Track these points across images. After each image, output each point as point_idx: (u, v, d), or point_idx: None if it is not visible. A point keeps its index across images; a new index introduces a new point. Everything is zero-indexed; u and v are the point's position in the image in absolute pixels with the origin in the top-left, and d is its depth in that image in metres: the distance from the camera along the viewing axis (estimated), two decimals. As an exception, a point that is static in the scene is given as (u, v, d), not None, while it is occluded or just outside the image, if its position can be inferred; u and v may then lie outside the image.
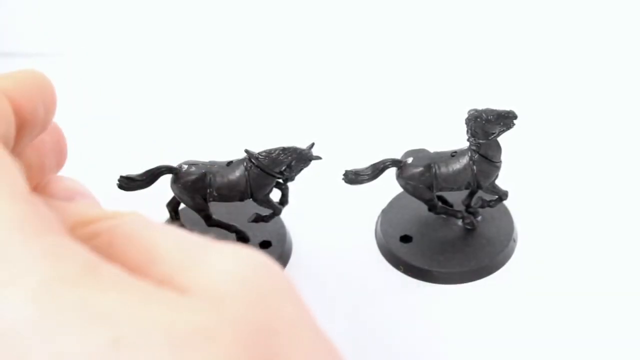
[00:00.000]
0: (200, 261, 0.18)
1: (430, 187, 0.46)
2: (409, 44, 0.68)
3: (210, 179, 0.44)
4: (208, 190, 0.44)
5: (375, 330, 0.44)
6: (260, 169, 0.44)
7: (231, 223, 0.47)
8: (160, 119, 0.60)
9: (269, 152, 0.44)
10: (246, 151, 0.45)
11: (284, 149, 0.44)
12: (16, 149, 0.23)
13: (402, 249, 0.48)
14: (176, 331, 0.16)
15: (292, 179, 0.45)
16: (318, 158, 0.45)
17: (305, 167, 0.45)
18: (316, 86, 0.64)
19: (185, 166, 0.44)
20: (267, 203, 0.46)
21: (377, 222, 0.51)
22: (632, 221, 0.50)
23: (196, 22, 0.71)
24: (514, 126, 0.44)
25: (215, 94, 0.63)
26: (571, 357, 0.41)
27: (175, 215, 0.47)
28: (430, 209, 0.49)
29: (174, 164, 0.45)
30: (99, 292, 0.16)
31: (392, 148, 0.49)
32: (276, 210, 0.46)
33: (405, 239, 0.48)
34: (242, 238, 0.48)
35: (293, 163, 0.44)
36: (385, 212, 0.51)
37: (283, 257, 0.48)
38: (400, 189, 0.48)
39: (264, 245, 0.48)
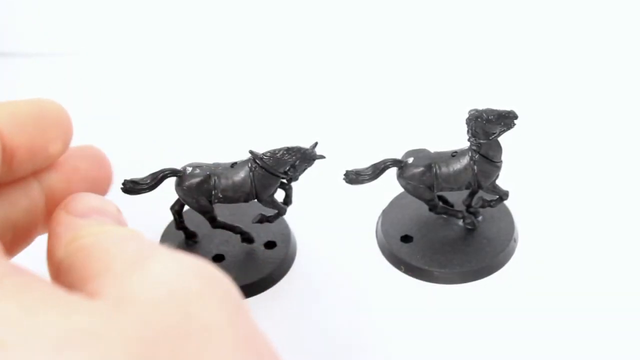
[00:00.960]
0: (137, 271, 0.20)
1: (430, 187, 0.46)
2: (409, 45, 0.68)
3: (214, 181, 0.44)
4: (213, 192, 0.44)
5: (375, 330, 0.44)
6: (265, 170, 0.44)
7: (235, 224, 0.47)
8: (162, 120, 0.60)
9: (273, 153, 0.44)
10: (250, 152, 0.45)
11: (288, 149, 0.44)
12: (9, 177, 0.24)
13: (403, 249, 0.48)
14: (61, 332, 0.17)
15: (296, 179, 0.45)
16: (322, 157, 0.45)
17: (309, 166, 0.45)
18: (316, 87, 0.64)
19: (190, 168, 0.44)
20: (272, 203, 0.46)
21: (377, 222, 0.51)
22: (633, 221, 0.50)
23: (198, 22, 0.71)
24: (515, 126, 0.44)
25: (217, 96, 0.63)
26: (571, 357, 0.41)
27: (179, 218, 0.47)
28: (430, 209, 0.49)
29: (177, 167, 0.44)
30: None
31: (393, 148, 0.49)
32: (281, 210, 0.46)
33: (406, 239, 0.49)
34: (247, 239, 0.48)
35: (297, 163, 0.44)
36: (385, 212, 0.51)
37: (288, 257, 0.48)
38: (400, 189, 0.48)
39: (269, 245, 0.48)
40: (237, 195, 0.45)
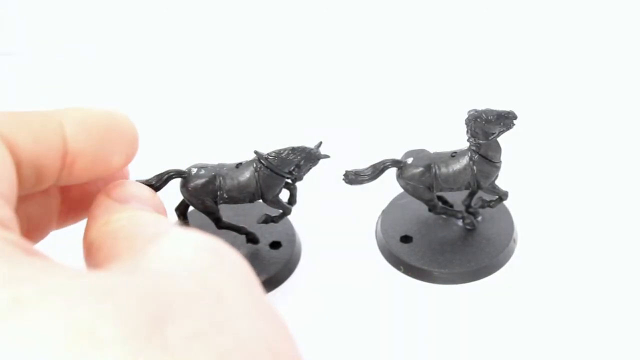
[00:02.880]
0: (153, 245, 0.20)
1: (430, 188, 0.46)
2: (409, 45, 0.68)
3: (220, 182, 0.44)
4: (218, 193, 0.44)
5: (375, 330, 0.44)
6: (270, 170, 0.44)
7: (240, 225, 0.47)
8: (166, 122, 0.60)
9: (278, 153, 0.44)
10: (255, 152, 0.44)
11: (293, 149, 0.44)
12: (69, 181, 0.25)
13: (402, 249, 0.48)
14: (76, 289, 0.17)
15: (300, 178, 0.45)
16: (326, 157, 0.45)
17: (313, 166, 0.45)
18: (317, 87, 0.64)
19: (195, 169, 0.44)
20: (277, 204, 0.46)
21: (377, 223, 0.51)
22: (632, 221, 0.50)
23: (201, 24, 0.71)
24: (514, 126, 0.44)
25: (220, 97, 0.63)
26: (571, 357, 0.41)
27: (183, 219, 0.46)
28: (430, 209, 0.49)
29: (182, 167, 0.44)
30: (9, 265, 0.18)
31: (393, 148, 0.49)
32: (286, 210, 0.46)
33: (406, 239, 0.49)
34: (252, 240, 0.48)
35: (302, 162, 0.44)
36: (385, 213, 0.51)
37: (294, 257, 0.48)
38: (400, 189, 0.48)
39: (275, 245, 0.48)
40: (243, 195, 0.45)
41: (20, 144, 0.22)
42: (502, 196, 0.47)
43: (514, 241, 0.48)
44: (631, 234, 0.49)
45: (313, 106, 0.62)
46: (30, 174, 0.23)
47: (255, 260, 0.47)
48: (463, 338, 0.43)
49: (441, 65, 0.66)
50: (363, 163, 0.47)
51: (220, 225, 0.46)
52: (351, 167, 0.46)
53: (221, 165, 0.45)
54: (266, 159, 0.44)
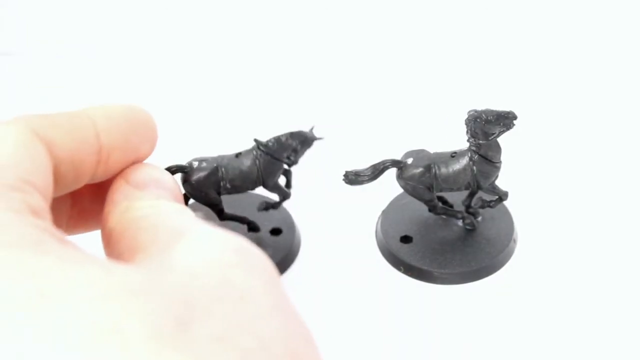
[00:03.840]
0: (180, 242, 0.21)
1: (430, 188, 0.46)
2: (409, 45, 0.68)
3: (222, 172, 0.45)
4: (221, 184, 0.45)
5: (375, 330, 0.44)
6: (270, 156, 0.45)
7: (242, 216, 0.48)
8: (165, 121, 0.60)
9: (277, 139, 0.45)
10: (255, 140, 0.45)
11: (291, 134, 0.45)
12: (104, 176, 0.25)
13: (403, 250, 0.48)
14: (101, 286, 0.17)
15: (296, 162, 0.46)
16: (320, 139, 0.46)
17: (308, 149, 0.46)
18: (317, 87, 0.64)
19: (196, 162, 0.45)
20: (278, 189, 0.47)
21: (377, 223, 0.51)
22: (632, 221, 0.50)
23: (200, 23, 0.71)
24: (514, 127, 0.44)
25: (219, 97, 0.63)
26: (571, 357, 0.41)
27: None
28: (430, 210, 0.49)
29: (180, 162, 0.45)
30: (37, 255, 0.18)
31: (392, 148, 0.49)
32: (286, 195, 0.47)
33: (406, 239, 0.49)
34: (253, 228, 0.48)
35: (299, 147, 0.45)
36: (385, 213, 0.51)
37: (295, 244, 0.49)
38: (400, 190, 0.48)
39: (275, 232, 0.49)
40: (246, 184, 0.45)
41: (58, 142, 0.23)
42: (502, 196, 0.47)
43: (514, 241, 0.48)
44: (631, 234, 0.49)
45: (313, 106, 0.62)
46: (69, 171, 0.23)
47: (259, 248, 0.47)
48: (463, 338, 0.43)
49: (441, 65, 0.66)
50: (363, 163, 0.47)
51: (222, 217, 0.47)
52: (351, 167, 0.46)
53: (221, 157, 0.45)
54: (266, 145, 0.45)
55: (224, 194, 0.45)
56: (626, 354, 0.41)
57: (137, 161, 0.26)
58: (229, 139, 0.53)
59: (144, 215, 0.23)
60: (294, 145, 0.45)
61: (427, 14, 0.70)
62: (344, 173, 0.46)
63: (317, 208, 0.52)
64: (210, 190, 0.45)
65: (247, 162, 0.45)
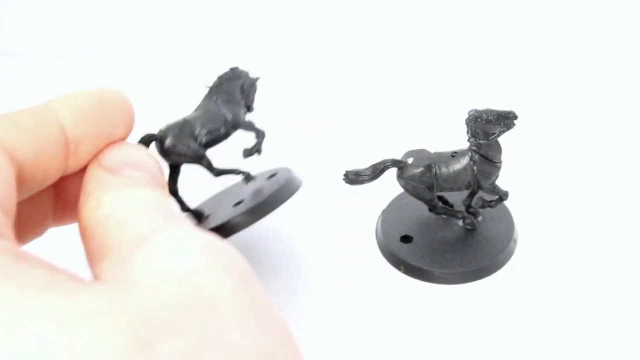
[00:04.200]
0: (143, 248, 0.20)
1: (430, 188, 0.47)
2: (409, 46, 0.68)
3: (197, 130, 0.45)
4: (196, 137, 0.45)
5: (375, 330, 0.44)
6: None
7: (231, 169, 0.48)
8: (165, 120, 0.60)
9: (220, 77, 0.47)
10: (206, 86, 0.47)
11: (230, 69, 0.47)
12: (79, 165, 0.24)
13: (403, 249, 0.48)
14: (62, 313, 0.17)
15: (252, 107, 0.48)
16: (257, 78, 0.47)
17: (255, 89, 0.48)
18: (317, 87, 0.64)
19: (163, 128, 0.45)
20: (251, 127, 0.48)
21: (377, 222, 0.51)
22: (632, 221, 0.50)
23: (199, 23, 0.71)
24: (514, 126, 0.44)
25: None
26: (571, 357, 0.41)
27: (180, 199, 0.47)
28: (430, 209, 0.49)
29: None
30: None
31: (393, 148, 0.49)
32: (258, 132, 0.48)
33: (406, 239, 0.49)
34: (248, 177, 0.49)
35: (245, 86, 0.47)
36: (385, 212, 0.51)
37: (293, 181, 0.47)
38: (400, 189, 0.48)
39: (272, 176, 0.49)
40: (216, 136, 0.46)
41: (19, 146, 0.22)
42: (502, 196, 0.47)
43: (514, 241, 0.48)
44: (631, 233, 0.49)
45: (313, 106, 0.62)
46: (34, 172, 0.22)
47: (257, 195, 0.47)
48: (463, 338, 0.43)
49: (441, 65, 0.66)
50: (363, 163, 0.47)
51: (215, 172, 0.47)
52: (351, 167, 0.46)
53: (194, 117, 0.46)
54: (217, 87, 0.47)
55: (203, 145, 0.46)
56: (626, 354, 0.41)
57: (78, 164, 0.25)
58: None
59: (111, 212, 0.22)
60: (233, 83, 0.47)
61: (427, 14, 0.70)
62: (344, 173, 0.46)
63: (317, 208, 0.52)
64: (190, 142, 0.45)
65: (213, 109, 0.46)
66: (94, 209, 0.23)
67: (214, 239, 0.21)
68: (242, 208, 0.44)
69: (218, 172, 0.47)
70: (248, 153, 0.48)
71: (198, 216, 0.48)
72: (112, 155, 0.25)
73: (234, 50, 0.68)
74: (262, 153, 0.48)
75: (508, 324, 0.43)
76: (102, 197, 0.23)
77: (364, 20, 0.70)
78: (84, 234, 0.23)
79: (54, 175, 0.24)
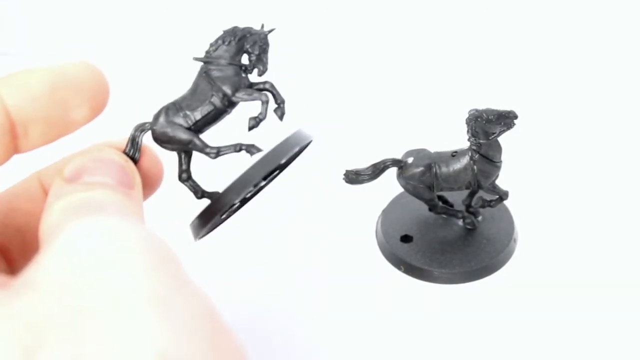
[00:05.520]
0: (48, 246, 0.19)
1: (430, 187, 0.47)
2: (409, 45, 0.68)
3: (185, 114, 0.39)
4: (187, 121, 0.39)
5: (375, 329, 0.44)
6: (217, 67, 0.40)
7: (231, 144, 0.41)
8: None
9: (212, 44, 0.40)
10: (195, 59, 0.40)
11: (223, 32, 0.40)
12: (28, 148, 0.23)
13: (403, 249, 0.48)
14: None
15: (263, 67, 0.41)
16: (271, 30, 0.40)
17: (264, 45, 0.40)
18: (317, 86, 0.64)
19: (155, 114, 0.39)
20: (251, 96, 0.41)
21: (377, 222, 0.51)
22: (632, 220, 0.50)
23: (199, 23, 0.71)
24: (515, 126, 0.44)
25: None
26: (571, 357, 0.41)
27: (195, 185, 0.41)
28: (430, 209, 0.49)
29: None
30: None
31: (393, 148, 0.49)
32: (263, 98, 0.41)
33: (406, 238, 0.49)
34: (250, 150, 0.41)
35: (247, 46, 0.40)
36: (385, 212, 0.51)
37: (302, 132, 0.42)
38: (400, 189, 0.48)
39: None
40: (209, 115, 0.40)
41: None
42: (502, 196, 0.47)
43: (514, 241, 0.48)
44: (631, 233, 0.49)
45: (313, 106, 0.62)
46: None
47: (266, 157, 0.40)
48: (463, 338, 0.43)
49: (441, 65, 0.66)
50: (363, 163, 0.47)
51: (214, 154, 0.40)
52: (351, 167, 0.46)
53: (184, 98, 0.40)
54: (206, 57, 0.40)
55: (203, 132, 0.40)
56: (626, 354, 0.41)
57: (75, 127, 0.24)
58: (229, 138, 0.53)
59: (48, 226, 0.21)
60: (235, 42, 0.40)
61: (427, 14, 0.70)
62: (344, 172, 0.46)
63: (317, 208, 0.52)
64: (178, 129, 0.39)
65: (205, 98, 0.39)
66: (43, 225, 0.22)
67: (127, 225, 0.19)
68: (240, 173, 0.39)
69: (216, 153, 0.40)
70: (253, 123, 0.41)
71: (213, 198, 0.42)
72: (72, 165, 0.24)
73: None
74: (283, 119, 0.42)
75: (508, 324, 0.43)
76: (47, 214, 0.22)
77: (364, 20, 0.70)
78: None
79: (2, 157, 0.23)
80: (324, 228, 0.51)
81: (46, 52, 0.69)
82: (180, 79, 0.61)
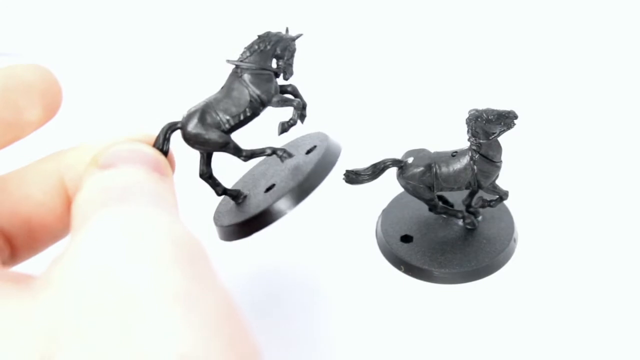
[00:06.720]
0: (64, 254, 0.19)
1: (430, 187, 0.47)
2: (410, 45, 0.68)
3: (213, 114, 0.40)
4: (220, 124, 0.40)
5: (375, 330, 0.44)
6: (252, 70, 0.40)
7: (260, 148, 0.42)
8: (164, 120, 0.60)
9: (248, 48, 0.40)
10: (228, 61, 0.41)
11: (258, 37, 0.40)
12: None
13: (403, 249, 0.48)
14: None
15: (290, 72, 0.41)
16: (299, 36, 0.41)
17: (293, 50, 0.40)
18: (317, 86, 0.64)
19: (185, 114, 0.40)
20: (285, 102, 0.42)
21: (377, 222, 0.51)
22: (632, 220, 0.50)
23: (198, 23, 0.71)
24: (515, 126, 0.44)
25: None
26: (571, 357, 0.41)
27: (215, 183, 0.42)
28: (430, 209, 0.49)
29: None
30: None
31: (393, 148, 0.49)
32: (297, 106, 0.42)
33: (406, 238, 0.49)
34: (281, 156, 0.42)
35: (279, 51, 0.40)
36: (385, 212, 0.51)
37: (332, 148, 0.42)
38: (400, 189, 0.48)
39: (309, 151, 0.43)
40: (241, 118, 0.40)
41: None
42: (502, 196, 0.47)
43: (514, 241, 0.48)
44: (631, 233, 0.49)
45: (313, 105, 0.62)
46: None
47: (296, 171, 0.41)
48: (463, 338, 0.43)
49: (441, 65, 0.66)
50: (363, 163, 0.47)
51: (244, 155, 0.41)
52: (351, 167, 0.46)
53: (213, 99, 0.41)
54: (242, 62, 0.40)
55: (229, 131, 0.40)
56: (626, 354, 0.41)
57: (30, 129, 0.24)
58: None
59: (79, 207, 0.21)
60: (270, 48, 0.40)
61: (427, 14, 0.70)
62: (344, 172, 0.46)
63: (318, 207, 0.52)
64: (212, 131, 0.40)
65: (236, 94, 0.40)
66: (76, 203, 0.22)
67: (148, 220, 0.19)
68: (280, 192, 0.40)
69: (247, 156, 0.41)
70: (282, 128, 0.42)
71: (235, 197, 0.43)
72: (107, 152, 0.24)
73: (234, 49, 0.68)
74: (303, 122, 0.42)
75: (508, 324, 0.43)
76: (84, 191, 0.22)
77: (364, 20, 0.70)
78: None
79: None
80: (324, 228, 0.51)
81: (46, 52, 0.69)
82: (180, 78, 0.61)
